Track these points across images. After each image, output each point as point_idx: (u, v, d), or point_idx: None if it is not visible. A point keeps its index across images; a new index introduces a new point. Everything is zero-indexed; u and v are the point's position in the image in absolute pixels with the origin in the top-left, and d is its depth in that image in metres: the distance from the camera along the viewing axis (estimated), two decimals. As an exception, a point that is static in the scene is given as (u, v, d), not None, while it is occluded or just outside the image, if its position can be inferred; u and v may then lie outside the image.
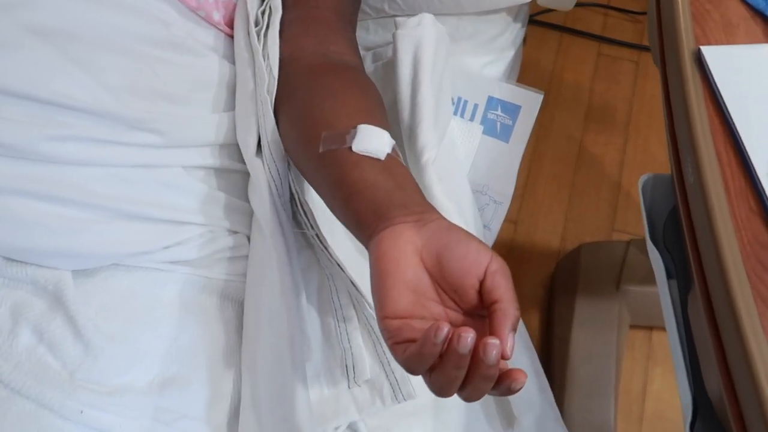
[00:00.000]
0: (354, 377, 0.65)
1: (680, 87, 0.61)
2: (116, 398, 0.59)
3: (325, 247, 0.66)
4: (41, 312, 0.60)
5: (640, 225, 0.75)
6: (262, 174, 0.66)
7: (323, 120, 0.61)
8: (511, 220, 1.41)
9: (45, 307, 0.60)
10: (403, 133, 0.74)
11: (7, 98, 0.60)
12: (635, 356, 1.26)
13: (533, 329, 1.29)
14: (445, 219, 0.51)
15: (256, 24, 0.71)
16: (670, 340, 0.63)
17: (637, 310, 1.22)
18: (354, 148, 0.56)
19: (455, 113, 0.82)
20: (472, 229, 0.73)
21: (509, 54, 0.90)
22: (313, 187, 0.63)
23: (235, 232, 0.70)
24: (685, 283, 0.65)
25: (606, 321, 1.22)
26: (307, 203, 0.67)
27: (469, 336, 0.42)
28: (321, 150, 0.58)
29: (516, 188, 0.80)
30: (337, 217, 0.59)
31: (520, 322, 0.73)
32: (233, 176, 0.71)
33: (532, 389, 0.71)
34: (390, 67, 0.78)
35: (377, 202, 0.53)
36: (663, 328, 0.69)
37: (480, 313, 0.48)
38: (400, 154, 0.59)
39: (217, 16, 0.73)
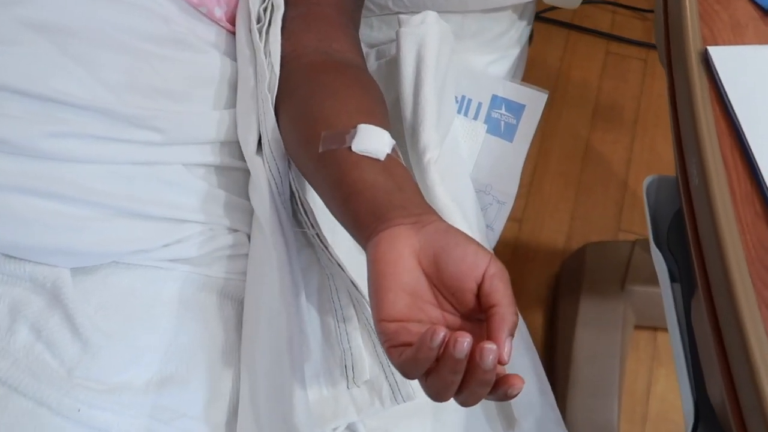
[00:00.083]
0: (353, 378, 0.64)
1: (686, 88, 0.60)
2: (114, 396, 0.59)
3: (326, 247, 0.66)
4: (39, 309, 0.60)
5: (646, 225, 0.75)
6: (262, 172, 0.65)
7: (323, 119, 0.60)
8: (516, 218, 1.40)
9: (43, 305, 0.60)
10: (406, 132, 0.73)
11: (6, 95, 0.59)
12: (640, 357, 1.25)
13: (537, 328, 1.28)
14: (443, 221, 0.51)
15: (258, 21, 0.71)
16: (672, 344, 0.62)
17: (642, 311, 1.22)
18: (353, 148, 0.56)
19: (459, 112, 0.81)
20: (474, 230, 0.73)
21: (514, 52, 0.90)
22: (313, 187, 0.63)
23: (235, 231, 0.69)
24: (689, 287, 0.64)
25: (610, 321, 1.21)
26: (307, 202, 0.66)
27: (465, 341, 0.42)
28: (320, 149, 0.58)
29: (521, 186, 0.80)
30: (336, 218, 0.58)
31: (522, 322, 0.73)
32: (234, 174, 0.71)
33: (533, 391, 0.70)
34: (393, 64, 0.77)
35: (375, 203, 0.52)
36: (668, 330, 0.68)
37: (478, 316, 0.48)
38: (401, 155, 0.58)
39: (219, 13, 0.72)
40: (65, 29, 0.63)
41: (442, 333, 0.42)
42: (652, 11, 1.65)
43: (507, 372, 0.46)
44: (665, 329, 0.93)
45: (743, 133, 0.56)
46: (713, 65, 0.60)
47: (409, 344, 0.45)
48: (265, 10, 0.72)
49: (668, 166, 1.41)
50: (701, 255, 0.55)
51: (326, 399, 0.64)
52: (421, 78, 0.72)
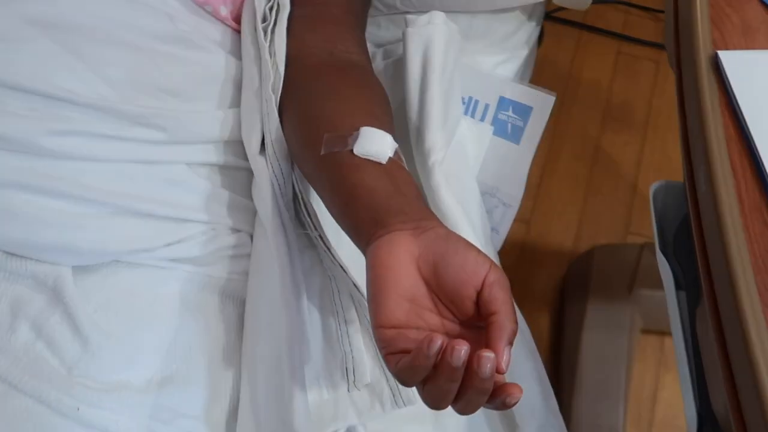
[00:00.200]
0: (354, 381, 0.64)
1: (695, 93, 0.60)
2: (114, 396, 0.59)
3: (328, 248, 0.65)
4: (40, 307, 0.60)
5: (653, 231, 0.74)
6: (265, 172, 0.65)
7: (326, 121, 0.60)
8: (523, 219, 1.39)
9: (44, 303, 0.60)
10: (411, 134, 0.73)
11: (9, 91, 0.59)
12: (646, 361, 1.24)
13: (543, 331, 1.28)
14: (443, 227, 0.50)
15: (264, 20, 0.70)
16: (676, 353, 0.61)
17: (649, 315, 1.21)
18: (355, 151, 0.55)
19: (466, 113, 0.80)
20: (479, 232, 0.72)
21: (522, 53, 0.89)
22: (314, 188, 0.62)
23: (238, 231, 0.69)
24: (695, 296, 0.64)
25: (617, 325, 1.20)
26: (310, 203, 0.66)
27: (462, 349, 0.41)
28: (322, 152, 0.57)
29: (529, 187, 0.79)
30: (336, 221, 0.58)
31: (525, 326, 0.72)
32: (237, 173, 0.71)
33: (535, 397, 0.70)
34: (400, 65, 0.77)
35: (376, 207, 0.52)
36: (674, 336, 0.68)
37: (477, 324, 0.47)
38: (403, 158, 0.58)
39: (225, 11, 0.72)
40: (70, 27, 0.62)
41: (439, 341, 0.42)
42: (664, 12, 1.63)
43: (509, 377, 0.45)
44: (672, 335, 0.92)
45: (753, 140, 0.55)
46: (723, 70, 0.59)
47: (406, 351, 0.45)
48: (270, 9, 0.71)
49: (679, 169, 1.39)
50: (707, 263, 0.54)
51: (326, 402, 0.64)
52: (427, 79, 0.72)
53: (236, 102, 0.71)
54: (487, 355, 0.42)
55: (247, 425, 0.61)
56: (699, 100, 0.59)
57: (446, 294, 0.47)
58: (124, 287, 0.63)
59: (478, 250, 0.48)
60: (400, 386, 0.62)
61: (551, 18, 1.57)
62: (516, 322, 0.45)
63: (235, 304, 0.67)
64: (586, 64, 1.60)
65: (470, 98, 0.80)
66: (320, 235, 0.65)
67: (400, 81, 0.75)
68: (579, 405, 1.14)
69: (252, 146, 0.66)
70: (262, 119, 0.66)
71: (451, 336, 0.46)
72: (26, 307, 0.59)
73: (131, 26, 0.65)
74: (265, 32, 0.69)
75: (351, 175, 0.55)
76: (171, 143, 0.66)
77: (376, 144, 0.56)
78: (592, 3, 0.92)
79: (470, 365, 0.42)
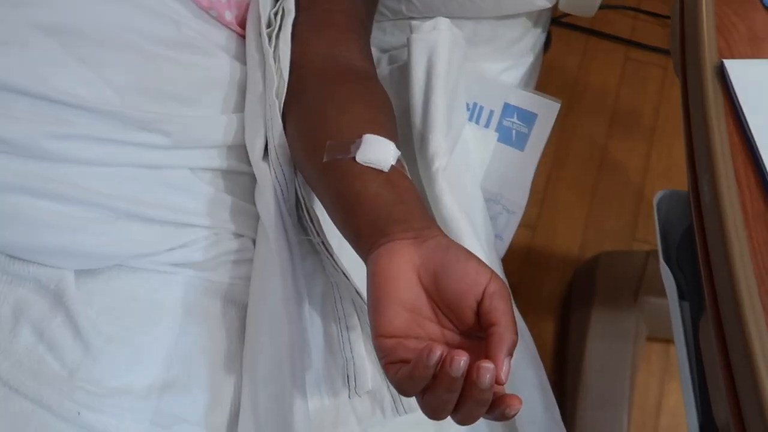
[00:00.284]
0: (355, 387, 0.64)
1: (700, 101, 0.59)
2: (114, 400, 0.59)
3: (331, 255, 0.65)
4: (42, 311, 0.60)
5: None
6: (268, 178, 0.65)
7: (329, 128, 0.60)
8: (529, 225, 1.39)
9: (46, 306, 0.60)
10: (415, 140, 0.73)
11: (13, 95, 0.60)
12: (651, 369, 1.23)
13: (548, 337, 1.27)
14: (445, 236, 0.50)
15: (268, 25, 0.70)
16: (679, 363, 0.61)
17: (654, 323, 1.20)
18: (358, 159, 0.55)
19: (470, 119, 0.80)
20: (482, 239, 0.72)
21: (528, 60, 0.88)
22: (316, 195, 0.62)
23: (241, 236, 0.69)
24: (698, 306, 0.63)
25: (622, 332, 1.20)
26: (313, 209, 0.66)
27: (461, 359, 0.41)
28: (325, 159, 0.57)
29: (535, 193, 0.79)
30: (338, 228, 0.58)
31: (528, 334, 0.71)
32: (241, 178, 0.71)
33: (537, 405, 0.69)
34: (405, 70, 0.77)
35: (377, 215, 0.52)
36: (679, 344, 0.67)
37: (478, 334, 0.47)
38: (406, 165, 0.58)
39: (230, 16, 0.72)
40: (73, 30, 0.63)
41: (438, 351, 0.42)
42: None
43: (510, 385, 0.45)
44: (677, 343, 0.91)
45: (758, 150, 0.55)
46: (728, 79, 0.58)
47: (406, 361, 0.45)
48: (275, 14, 0.71)
49: (685, 176, 1.39)
50: (710, 274, 0.53)
51: (327, 408, 0.63)
52: (432, 85, 0.71)
53: (240, 107, 0.71)
54: (487, 365, 0.42)
55: (248, 431, 0.60)
56: (704, 109, 0.58)
57: (447, 304, 0.47)
58: (126, 291, 0.63)
59: (479, 260, 0.47)
60: (402, 393, 0.62)
61: (559, 23, 1.57)
62: (516, 333, 0.45)
63: (238, 309, 0.67)
64: (594, 69, 1.60)
65: (475, 104, 0.80)
66: (323, 241, 0.65)
67: (405, 86, 0.75)
68: (583, 412, 1.14)
69: (255, 151, 0.66)
70: (266, 124, 0.66)
71: (451, 346, 0.46)
72: (28, 311, 0.59)
73: (136, 31, 0.66)
74: (270, 37, 0.69)
75: (353, 182, 0.55)
76: (174, 148, 0.66)
77: (378, 152, 0.55)
78: (600, 8, 0.92)
79: (469, 376, 0.42)
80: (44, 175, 0.60)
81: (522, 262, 1.35)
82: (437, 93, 0.71)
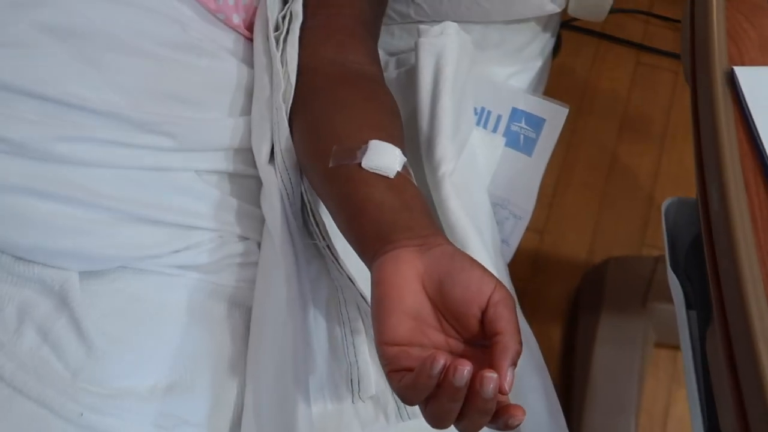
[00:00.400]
0: (359, 392, 0.64)
1: (710, 108, 0.59)
2: (117, 402, 0.59)
3: (336, 259, 0.65)
4: (47, 312, 0.60)
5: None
6: (274, 182, 0.65)
7: (335, 133, 0.59)
8: (537, 229, 1.38)
9: (51, 307, 0.60)
10: (422, 145, 0.72)
11: (20, 97, 0.60)
12: (659, 376, 1.22)
13: (555, 343, 1.26)
14: (450, 244, 0.50)
15: (276, 29, 0.70)
16: (685, 372, 0.60)
17: (663, 329, 1.19)
18: (364, 165, 0.55)
19: (478, 123, 0.80)
20: (488, 244, 0.71)
21: (536, 64, 0.88)
22: (322, 200, 0.62)
23: (246, 238, 0.69)
24: (705, 316, 0.62)
25: (630, 338, 1.19)
26: (319, 213, 0.66)
27: (465, 369, 0.41)
28: (331, 164, 0.57)
29: (543, 197, 0.78)
30: (343, 234, 0.58)
31: (534, 341, 0.71)
32: (247, 181, 0.71)
33: (542, 413, 0.69)
34: (412, 74, 0.76)
35: (382, 222, 0.52)
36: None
37: (482, 342, 0.47)
38: (412, 172, 0.57)
39: (237, 19, 0.72)
40: (81, 33, 0.63)
41: (442, 360, 0.42)
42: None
43: (515, 392, 0.45)
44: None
45: (767, 157, 0.54)
46: (739, 86, 0.58)
47: (409, 369, 0.45)
48: (283, 18, 0.71)
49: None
50: (718, 284, 0.53)
51: (330, 413, 0.63)
52: (439, 90, 0.71)
53: (247, 110, 0.71)
54: (490, 375, 0.41)
55: (251, 434, 0.60)
56: (713, 115, 0.58)
57: (451, 312, 0.47)
58: (131, 293, 0.63)
59: (484, 269, 0.47)
60: (406, 399, 0.62)
61: (569, 27, 1.56)
62: (520, 343, 0.45)
63: (242, 312, 0.67)
64: (604, 73, 1.59)
65: (483, 109, 0.79)
66: (328, 245, 0.65)
67: (412, 90, 0.75)
68: (590, 419, 1.13)
69: (262, 155, 0.66)
70: (272, 128, 0.66)
71: (455, 354, 0.46)
72: (33, 312, 0.59)
73: (143, 34, 0.66)
74: (278, 41, 0.69)
75: (358, 188, 0.54)
76: (180, 150, 0.66)
77: (384, 158, 0.55)
78: (611, 12, 0.91)
79: (473, 385, 0.42)
80: (51, 177, 0.60)
81: (530, 267, 1.34)
82: (444, 97, 0.70)
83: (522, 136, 0.79)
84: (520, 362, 0.46)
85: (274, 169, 0.65)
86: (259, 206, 0.69)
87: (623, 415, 1.13)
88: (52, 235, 0.60)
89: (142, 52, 0.65)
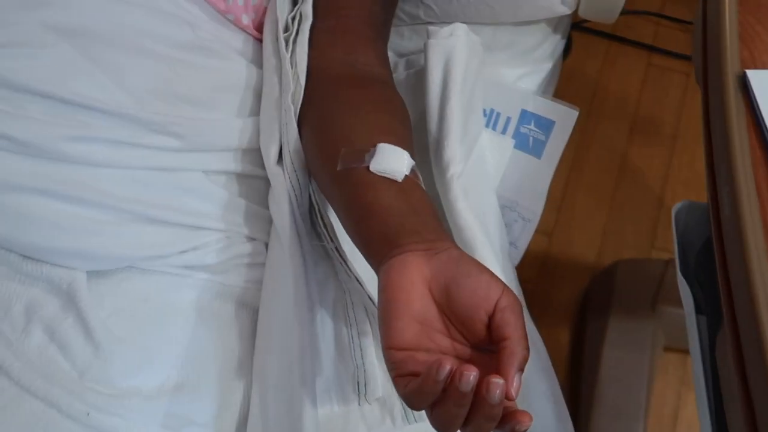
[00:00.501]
0: (365, 395, 0.63)
1: (721, 112, 0.58)
2: (124, 401, 0.59)
3: (344, 261, 0.65)
4: (54, 311, 0.60)
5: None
6: (282, 183, 0.65)
7: (343, 136, 0.59)
8: (546, 232, 1.37)
9: (58, 307, 0.60)
10: (430, 146, 0.72)
11: (29, 96, 0.60)
12: (668, 380, 1.22)
13: (563, 345, 1.26)
14: (457, 248, 0.50)
15: (286, 30, 0.70)
16: (694, 378, 0.60)
17: (672, 333, 1.18)
18: (372, 168, 0.55)
19: (487, 125, 0.79)
20: (497, 247, 0.71)
21: (546, 66, 0.88)
22: (330, 203, 0.62)
23: (254, 239, 0.69)
24: (715, 321, 0.62)
25: (639, 342, 1.18)
26: (327, 215, 0.66)
27: (471, 374, 0.41)
28: (339, 167, 0.57)
29: (553, 199, 0.78)
30: (350, 237, 0.57)
31: (541, 344, 0.71)
32: (255, 182, 0.71)
33: (549, 417, 0.68)
34: (421, 76, 0.76)
35: (389, 226, 0.51)
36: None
37: (489, 347, 0.47)
38: (420, 175, 0.57)
39: (246, 20, 0.72)
40: (90, 33, 0.63)
41: (448, 366, 0.41)
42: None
43: (523, 396, 0.44)
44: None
45: (779, 162, 0.53)
46: (751, 90, 0.57)
47: (416, 374, 0.44)
48: (293, 19, 0.71)
49: (706, 185, 1.37)
50: (729, 289, 0.52)
51: (336, 415, 0.63)
52: (448, 91, 0.71)
53: (255, 111, 0.71)
54: (496, 381, 0.41)
55: (257, 435, 0.60)
56: (725, 119, 0.57)
57: (458, 317, 0.47)
58: (138, 293, 0.63)
59: (491, 274, 0.47)
60: (412, 403, 0.62)
61: (580, 28, 1.55)
62: (527, 348, 0.45)
63: (250, 312, 0.67)
64: (615, 75, 1.58)
65: (492, 110, 0.79)
66: (336, 247, 0.65)
67: (421, 92, 0.75)
68: (598, 422, 1.12)
69: (270, 157, 0.66)
70: (281, 130, 0.66)
71: (461, 359, 0.46)
72: (40, 311, 0.60)
73: (152, 34, 0.66)
74: (287, 42, 0.69)
75: (366, 192, 0.54)
76: (188, 151, 0.66)
77: (392, 161, 0.55)
78: (622, 14, 0.91)
79: (479, 391, 0.42)
80: (58, 177, 0.60)
81: (538, 269, 1.34)
82: (453, 99, 0.70)
83: (531, 138, 0.78)
84: (527, 367, 0.45)
85: (283, 170, 0.65)
86: (266, 207, 0.69)
87: (632, 419, 1.12)
88: (59, 234, 0.60)
89: (150, 53, 0.65)
